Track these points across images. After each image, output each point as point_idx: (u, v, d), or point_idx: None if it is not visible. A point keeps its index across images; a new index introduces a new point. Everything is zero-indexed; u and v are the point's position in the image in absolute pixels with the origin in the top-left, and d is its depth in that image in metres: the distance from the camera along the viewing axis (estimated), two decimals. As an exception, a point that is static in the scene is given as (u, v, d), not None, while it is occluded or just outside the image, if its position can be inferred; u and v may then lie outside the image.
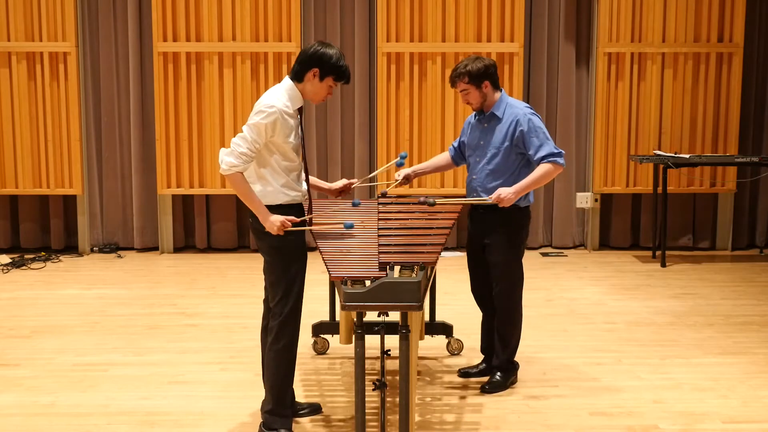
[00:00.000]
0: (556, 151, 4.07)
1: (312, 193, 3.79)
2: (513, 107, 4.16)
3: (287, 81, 3.63)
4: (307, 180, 3.74)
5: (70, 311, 5.62)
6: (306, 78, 3.59)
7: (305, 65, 3.58)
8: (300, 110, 3.64)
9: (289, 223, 3.56)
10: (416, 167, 4.50)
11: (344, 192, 4.13)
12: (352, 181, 4.15)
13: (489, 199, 4.03)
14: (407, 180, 4.39)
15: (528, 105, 4.23)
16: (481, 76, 4.11)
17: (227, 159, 3.48)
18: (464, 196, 4.33)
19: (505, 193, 3.99)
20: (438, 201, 4.03)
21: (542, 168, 4.06)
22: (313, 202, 3.78)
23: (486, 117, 4.20)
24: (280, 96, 3.57)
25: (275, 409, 3.65)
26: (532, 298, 5.56)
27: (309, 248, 3.83)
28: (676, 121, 7.36)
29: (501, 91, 4.21)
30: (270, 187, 3.59)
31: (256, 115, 3.51)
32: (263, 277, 3.71)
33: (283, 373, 3.66)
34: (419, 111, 7.24)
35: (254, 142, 3.49)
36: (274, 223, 3.53)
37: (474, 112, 4.30)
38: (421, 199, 4.00)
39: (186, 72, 7.13)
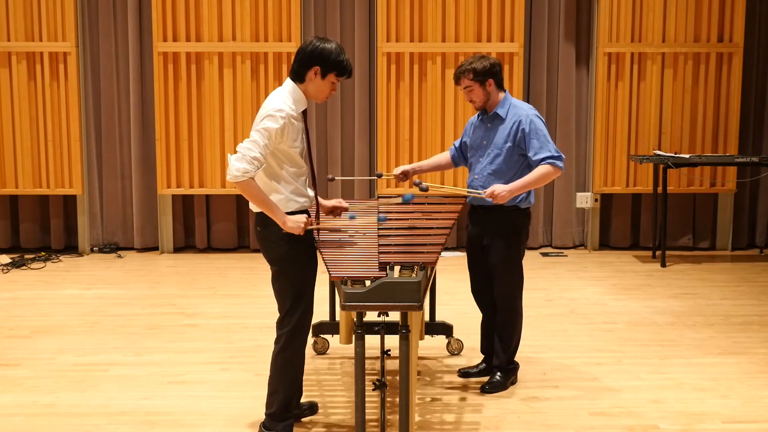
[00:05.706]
0: (555, 154, 4.06)
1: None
2: (517, 108, 4.16)
3: (289, 83, 3.52)
4: (314, 184, 3.65)
5: (70, 311, 5.62)
6: (307, 77, 3.48)
7: (305, 64, 3.47)
8: (304, 113, 3.53)
9: (311, 221, 3.50)
10: (415, 164, 4.51)
11: (334, 213, 3.89)
12: (344, 206, 3.91)
13: (483, 193, 4.02)
14: (405, 176, 4.38)
15: (532, 107, 4.22)
16: (486, 73, 4.11)
17: (239, 165, 3.32)
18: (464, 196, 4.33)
19: (500, 190, 3.98)
20: (432, 186, 4.13)
21: (540, 169, 4.05)
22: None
23: (489, 117, 4.20)
24: (285, 99, 3.46)
25: (278, 412, 3.62)
26: (532, 298, 5.56)
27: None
28: (676, 121, 7.36)
29: (505, 91, 4.21)
30: (280, 195, 3.47)
31: (266, 119, 3.38)
32: (266, 277, 3.67)
33: (290, 380, 3.63)
34: (419, 111, 7.23)
35: (266, 147, 3.36)
36: (297, 223, 3.42)
37: (477, 113, 4.30)
38: (416, 181, 4.08)
39: (186, 72, 7.13)
